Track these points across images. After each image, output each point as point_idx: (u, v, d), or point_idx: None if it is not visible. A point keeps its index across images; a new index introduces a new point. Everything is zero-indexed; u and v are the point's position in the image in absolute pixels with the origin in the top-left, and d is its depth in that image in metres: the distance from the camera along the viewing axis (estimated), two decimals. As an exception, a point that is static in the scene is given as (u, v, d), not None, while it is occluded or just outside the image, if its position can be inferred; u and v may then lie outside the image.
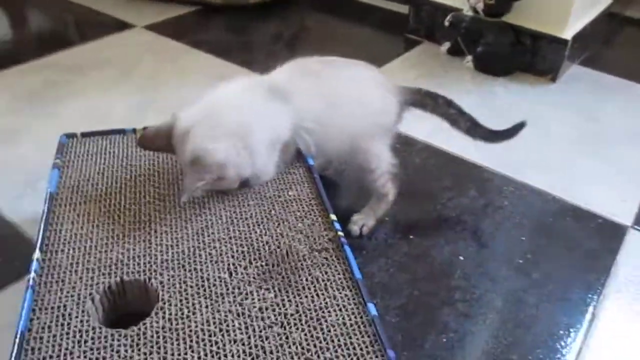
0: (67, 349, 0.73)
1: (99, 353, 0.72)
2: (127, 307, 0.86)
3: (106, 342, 0.73)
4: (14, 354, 0.71)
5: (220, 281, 0.82)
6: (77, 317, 0.77)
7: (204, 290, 0.81)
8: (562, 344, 1.00)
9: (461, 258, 1.16)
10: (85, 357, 0.72)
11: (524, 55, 1.88)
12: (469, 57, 1.93)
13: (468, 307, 1.05)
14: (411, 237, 1.20)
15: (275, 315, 0.78)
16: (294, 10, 2.38)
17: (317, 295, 0.81)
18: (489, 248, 1.20)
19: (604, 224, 1.28)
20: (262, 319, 0.77)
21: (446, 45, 2.03)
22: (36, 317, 0.77)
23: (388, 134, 1.17)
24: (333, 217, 0.94)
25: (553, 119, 1.68)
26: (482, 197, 1.34)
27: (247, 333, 0.75)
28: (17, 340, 0.72)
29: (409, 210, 1.28)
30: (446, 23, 1.93)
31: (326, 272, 0.84)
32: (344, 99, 1.07)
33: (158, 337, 0.74)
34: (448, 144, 1.52)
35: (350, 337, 0.75)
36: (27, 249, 1.09)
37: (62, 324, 0.76)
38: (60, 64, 1.85)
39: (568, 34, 1.81)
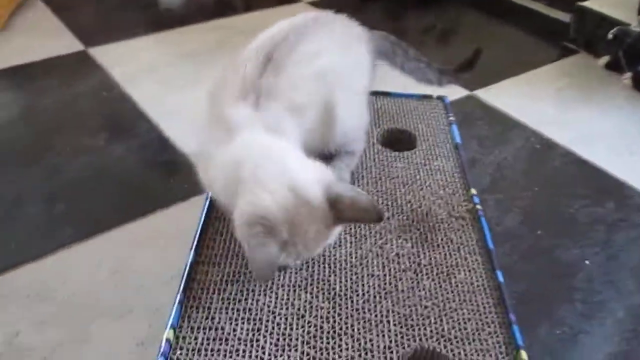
0: (233, 251, 0.87)
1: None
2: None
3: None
4: (192, 250, 0.86)
5: (365, 225, 0.92)
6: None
7: (350, 229, 0.91)
8: (684, 365, 0.98)
9: (587, 262, 1.17)
10: (245, 257, 0.86)
11: (691, 79, 1.79)
12: (628, 74, 1.86)
13: (588, 309, 1.07)
14: (539, 232, 1.23)
15: (410, 263, 0.86)
16: (452, 4, 2.42)
17: (450, 254, 0.88)
18: (619, 260, 1.19)
19: None
20: (398, 263, 0.86)
21: (605, 58, 1.97)
22: (212, 223, 0.92)
23: (364, 96, 1.03)
24: (473, 191, 1.00)
25: None
26: (619, 211, 1.32)
27: (383, 271, 0.85)
28: (195, 242, 0.87)
29: (540, 207, 1.30)
30: (610, 35, 1.88)
31: (460, 237, 0.91)
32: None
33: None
34: (591, 155, 1.50)
35: (475, 296, 0.82)
36: (194, 175, 1.28)
37: (231, 232, 0.90)
38: (233, 26, 2.06)
39: None
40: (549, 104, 1.74)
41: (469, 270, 0.86)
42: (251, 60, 0.86)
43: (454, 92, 1.72)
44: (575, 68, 1.97)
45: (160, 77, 1.72)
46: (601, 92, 1.83)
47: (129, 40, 1.93)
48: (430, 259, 0.87)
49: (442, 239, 0.91)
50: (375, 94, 1.28)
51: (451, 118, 1.21)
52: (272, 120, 0.81)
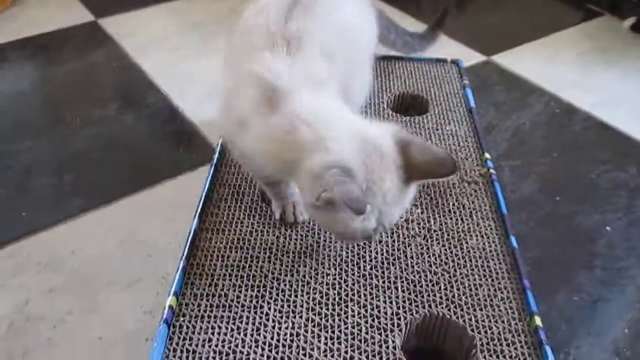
0: (238, 218, 0.85)
1: (261, 222, 0.84)
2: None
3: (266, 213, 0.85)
4: (196, 217, 0.85)
5: (373, 191, 0.90)
6: (248, 195, 0.89)
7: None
8: None
9: (608, 229, 1.13)
10: (250, 223, 0.84)
11: None
12: (656, 36, 1.78)
13: (608, 276, 1.03)
14: (558, 198, 1.19)
15: (419, 228, 0.84)
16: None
17: (462, 219, 0.85)
18: (641, 226, 1.15)
19: None
20: (407, 229, 0.84)
21: (630, 20, 1.88)
22: (216, 190, 0.91)
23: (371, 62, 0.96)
24: (487, 155, 0.97)
25: None
26: (642, 176, 1.28)
27: (392, 238, 0.82)
28: (199, 209, 0.86)
29: (559, 173, 1.26)
30: (636, -5, 1.79)
31: (473, 202, 0.88)
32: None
33: (314, 224, 0.84)
34: (613, 119, 1.44)
35: (488, 262, 0.79)
36: (203, 145, 1.28)
37: (236, 199, 0.89)
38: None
39: None
40: (570, 68, 1.67)
41: (482, 236, 0.83)
42: (273, 5, 0.77)
43: (471, 57, 1.67)
44: (599, 31, 1.89)
45: (170, 47, 1.70)
46: (626, 55, 1.75)
47: (138, 11, 1.91)
48: (441, 224, 0.85)
49: (453, 204, 0.88)
50: (388, 58, 1.24)
51: (465, 82, 1.17)
52: (309, 71, 0.72)
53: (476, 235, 0.83)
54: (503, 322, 0.72)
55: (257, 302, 0.73)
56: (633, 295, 1.00)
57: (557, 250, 1.07)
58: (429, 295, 0.75)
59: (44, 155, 1.28)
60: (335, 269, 0.78)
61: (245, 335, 0.69)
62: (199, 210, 0.85)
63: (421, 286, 0.76)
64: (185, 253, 0.79)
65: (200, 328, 0.70)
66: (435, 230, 0.83)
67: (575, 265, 1.05)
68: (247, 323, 0.71)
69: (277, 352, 0.67)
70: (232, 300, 0.73)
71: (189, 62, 1.62)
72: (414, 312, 0.73)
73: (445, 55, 1.27)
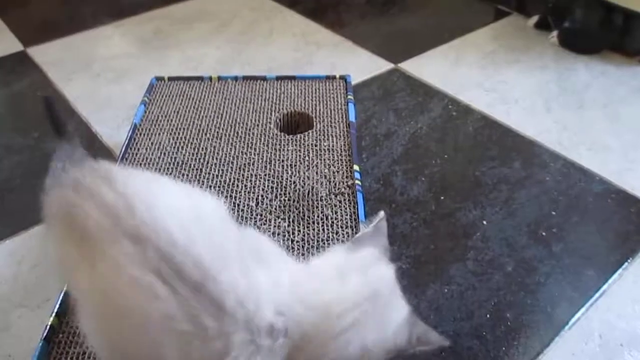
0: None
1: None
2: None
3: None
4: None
5: (248, 208, 1.00)
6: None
7: (234, 213, 0.99)
8: (561, 314, 1.06)
9: (484, 222, 1.24)
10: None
11: (613, 34, 1.82)
12: (555, 33, 1.90)
13: (478, 266, 1.15)
14: (442, 197, 1.30)
15: (284, 240, 0.94)
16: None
17: (323, 229, 0.96)
18: (516, 217, 1.26)
19: (646, 210, 1.28)
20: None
21: (534, 18, 2.01)
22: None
23: None
24: (356, 167, 1.07)
25: (630, 103, 1.64)
26: (524, 169, 1.39)
27: (259, 250, 0.92)
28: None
29: (447, 174, 1.37)
30: (538, -6, 1.91)
31: (336, 212, 0.99)
32: None
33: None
34: (505, 117, 1.56)
35: (341, 266, 0.90)
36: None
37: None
38: (170, 15, 2.10)
39: (662, 14, 1.73)
40: (474, 69, 1.79)
41: (339, 242, 0.94)
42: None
43: (378, 66, 1.77)
44: (505, 31, 2.01)
45: (92, 74, 1.78)
46: (527, 53, 1.87)
47: (66, 38, 1.98)
48: (304, 235, 0.95)
49: (318, 216, 0.98)
50: (280, 78, 1.34)
51: (349, 97, 1.27)
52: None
53: (334, 242, 0.94)
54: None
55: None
56: (499, 283, 1.12)
57: (435, 247, 1.18)
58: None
59: (-34, 187, 1.36)
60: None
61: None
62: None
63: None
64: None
65: (77, 343, 0.80)
66: (297, 241, 0.94)
67: (450, 260, 1.16)
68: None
69: None
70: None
71: (108, 87, 1.70)
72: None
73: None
